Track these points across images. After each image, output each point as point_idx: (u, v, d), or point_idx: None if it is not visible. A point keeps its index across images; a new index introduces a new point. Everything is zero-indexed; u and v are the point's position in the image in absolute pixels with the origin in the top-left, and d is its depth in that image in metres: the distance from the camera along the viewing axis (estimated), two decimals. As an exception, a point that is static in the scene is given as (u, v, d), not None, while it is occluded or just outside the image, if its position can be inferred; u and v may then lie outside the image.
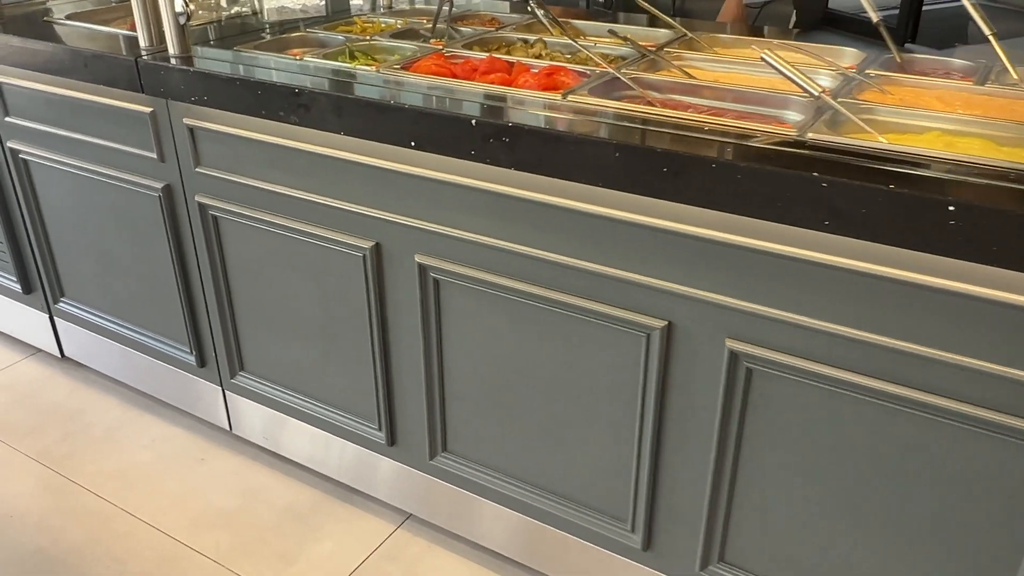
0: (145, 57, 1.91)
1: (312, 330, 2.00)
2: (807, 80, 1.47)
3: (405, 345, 1.85)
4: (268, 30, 2.21)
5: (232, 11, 2.39)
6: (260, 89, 1.72)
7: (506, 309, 1.65)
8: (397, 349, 1.87)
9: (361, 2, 2.55)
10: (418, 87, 1.66)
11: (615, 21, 2.37)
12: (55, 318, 2.64)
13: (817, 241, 1.26)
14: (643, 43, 2.00)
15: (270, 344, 2.12)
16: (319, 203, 1.80)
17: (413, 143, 1.57)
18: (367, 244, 1.77)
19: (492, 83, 1.67)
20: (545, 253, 1.54)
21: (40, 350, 2.80)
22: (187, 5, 1.84)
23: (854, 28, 2.32)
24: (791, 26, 3.31)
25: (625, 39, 1.88)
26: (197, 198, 2.01)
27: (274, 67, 1.82)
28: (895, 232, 1.17)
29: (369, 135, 1.63)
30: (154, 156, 2.04)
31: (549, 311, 1.59)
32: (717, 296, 1.39)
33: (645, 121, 1.44)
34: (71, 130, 2.18)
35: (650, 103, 1.60)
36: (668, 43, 1.97)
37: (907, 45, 2.09)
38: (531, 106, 1.53)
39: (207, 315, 2.20)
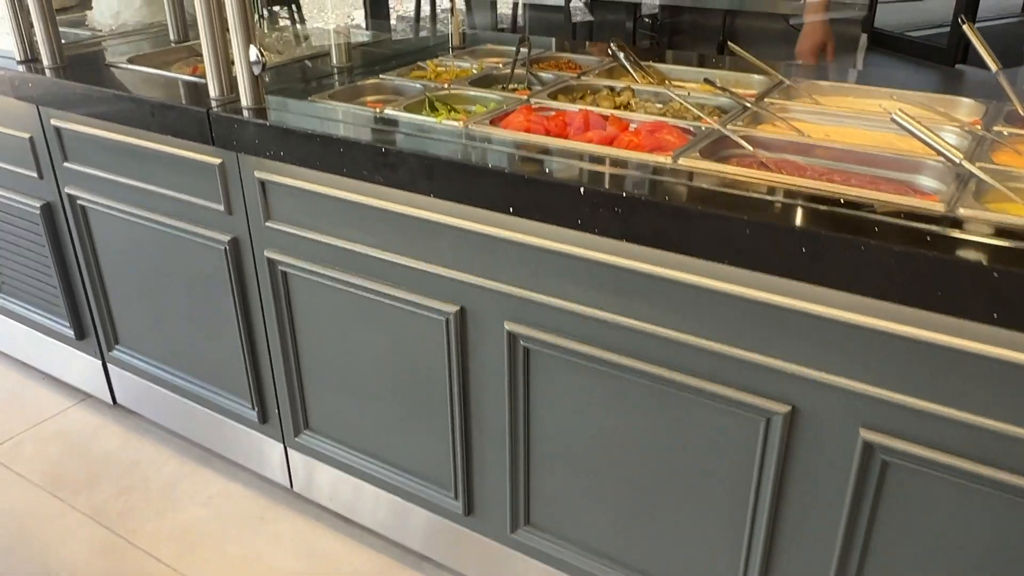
0: (216, 109, 1.83)
1: (385, 392, 1.90)
2: (945, 145, 1.35)
3: (488, 412, 1.74)
4: (337, 75, 2.13)
5: (296, 53, 2.32)
6: (343, 146, 1.63)
7: (604, 383, 1.53)
8: (478, 416, 1.76)
9: (396, 23, 2.46)
10: (512, 146, 1.56)
11: (687, 61, 2.26)
12: (108, 364, 2.56)
13: (978, 332, 1.13)
14: (739, 91, 1.89)
15: (338, 403, 2.02)
16: (400, 264, 1.70)
17: (512, 209, 1.47)
18: (451, 308, 1.67)
19: (592, 142, 1.56)
20: (654, 328, 1.43)
21: (91, 395, 2.72)
22: (262, 55, 1.75)
23: (901, 48, 2.19)
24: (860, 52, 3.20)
25: (724, 89, 1.77)
26: (267, 253, 1.92)
27: (354, 121, 1.72)
28: (1078, 329, 1.05)
29: (463, 198, 1.52)
30: (221, 208, 1.95)
31: (654, 387, 1.47)
32: (851, 382, 1.27)
33: (771, 190, 1.33)
34: (133, 178, 2.10)
35: (765, 164, 1.48)
36: (766, 92, 1.86)
37: (958, 66, 1.94)
38: (640, 170, 1.42)
39: (271, 371, 2.10)
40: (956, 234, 1.16)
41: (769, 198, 1.30)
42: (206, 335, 2.19)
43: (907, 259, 1.12)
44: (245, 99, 1.81)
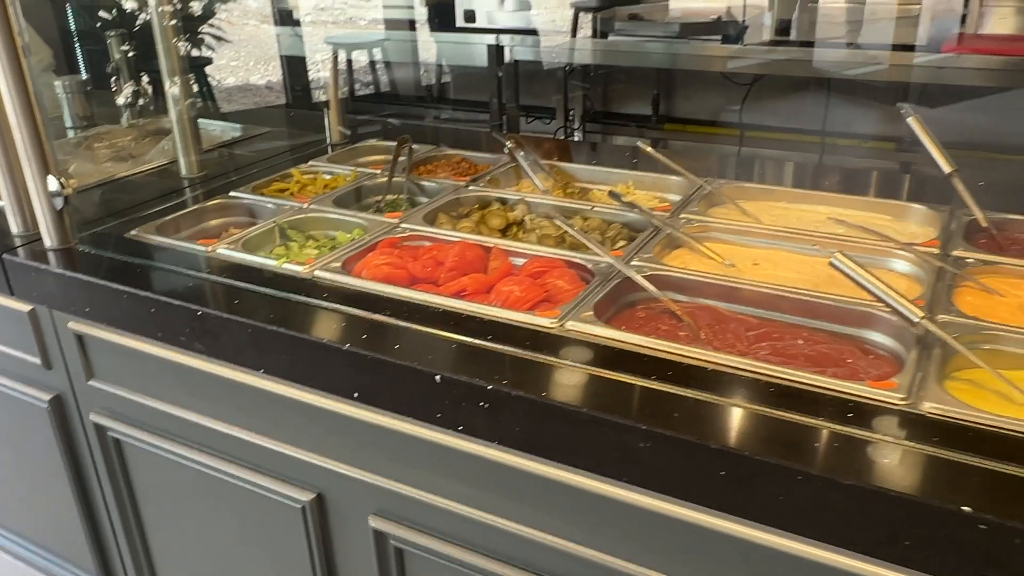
0: (18, 249, 1.48)
1: (246, 582, 1.54)
2: (899, 298, 1.05)
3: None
4: (188, 187, 1.79)
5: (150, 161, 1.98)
6: (154, 307, 1.29)
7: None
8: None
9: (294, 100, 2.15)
10: (361, 305, 1.22)
11: (601, 153, 1.97)
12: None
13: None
14: (655, 201, 1.60)
15: (194, 591, 1.65)
16: (246, 440, 1.36)
17: (357, 395, 1.14)
18: (307, 496, 1.33)
19: (463, 292, 1.24)
20: (540, 535, 1.10)
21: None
22: (63, 185, 1.41)
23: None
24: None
25: (632, 205, 1.48)
26: (93, 417, 1.56)
27: (177, 266, 1.39)
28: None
29: (298, 378, 1.19)
30: (38, 362, 1.60)
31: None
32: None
33: (675, 376, 1.01)
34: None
35: (677, 316, 1.18)
36: (685, 201, 1.56)
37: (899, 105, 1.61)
38: (516, 342, 1.10)
39: (118, 552, 1.74)
40: (915, 447, 0.86)
41: (673, 391, 0.99)
42: (42, 504, 1.82)
43: (858, 496, 0.82)
44: (48, 238, 1.47)
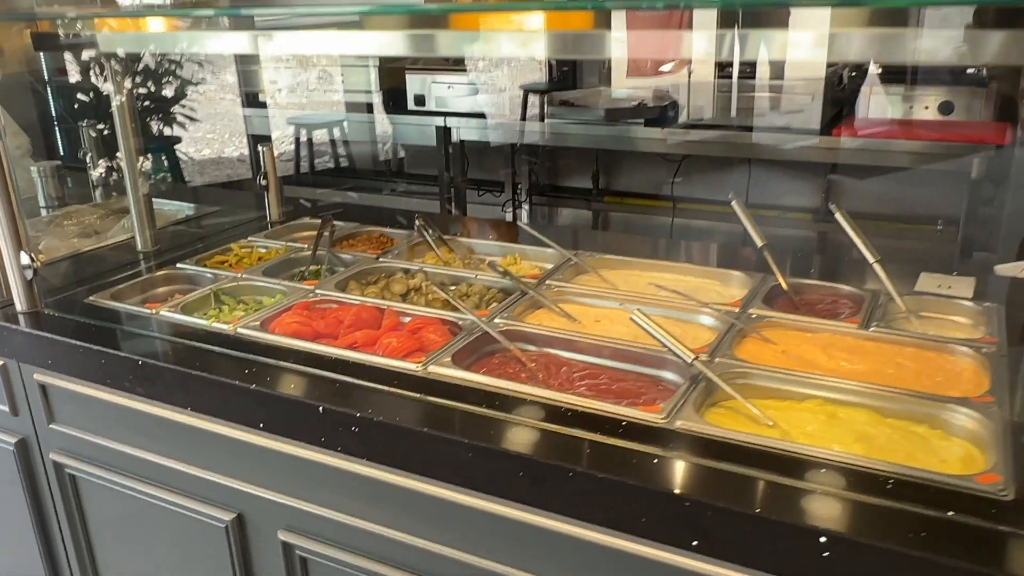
0: (-6, 310, 1.78)
1: (181, 601, 1.79)
2: (679, 344, 1.37)
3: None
4: (143, 259, 2.10)
5: (111, 238, 2.29)
6: (103, 358, 1.59)
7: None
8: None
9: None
10: (273, 355, 1.53)
11: (515, 230, 2.30)
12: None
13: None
14: (535, 270, 1.92)
15: (139, 611, 1.90)
16: (179, 470, 1.64)
17: (262, 425, 1.43)
18: (228, 516, 1.60)
19: (354, 344, 1.55)
20: (412, 539, 1.38)
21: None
22: (33, 259, 1.72)
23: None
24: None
25: (505, 273, 1.80)
26: (52, 456, 1.83)
27: (125, 325, 1.69)
28: (767, 558, 1.05)
29: (217, 413, 1.49)
30: (6, 409, 1.87)
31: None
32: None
33: (500, 405, 1.32)
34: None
35: (521, 361, 1.49)
36: (554, 270, 1.89)
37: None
38: (386, 381, 1.41)
39: (70, 573, 1.98)
40: (659, 453, 1.17)
41: (495, 415, 1.30)
42: (3, 537, 2.07)
43: (611, 488, 1.12)
44: (19, 303, 1.76)
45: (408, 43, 1.83)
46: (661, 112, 4.17)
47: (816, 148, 3.87)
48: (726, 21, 1.89)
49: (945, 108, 3.85)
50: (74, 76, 4.86)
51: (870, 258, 1.66)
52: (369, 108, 5.23)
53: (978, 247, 3.77)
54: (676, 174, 4.69)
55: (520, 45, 1.58)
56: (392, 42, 1.80)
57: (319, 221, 2.22)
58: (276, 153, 2.36)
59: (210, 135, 9.64)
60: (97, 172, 2.67)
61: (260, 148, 2.29)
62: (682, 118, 4.21)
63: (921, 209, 4.07)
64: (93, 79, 2.26)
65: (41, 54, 4.46)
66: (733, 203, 1.82)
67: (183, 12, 1.81)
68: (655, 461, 1.15)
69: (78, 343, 1.63)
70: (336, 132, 5.71)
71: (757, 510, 1.04)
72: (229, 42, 2.02)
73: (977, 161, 3.55)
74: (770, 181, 4.55)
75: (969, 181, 3.62)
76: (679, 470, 1.14)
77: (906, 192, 4.08)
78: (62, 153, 4.66)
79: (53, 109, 4.64)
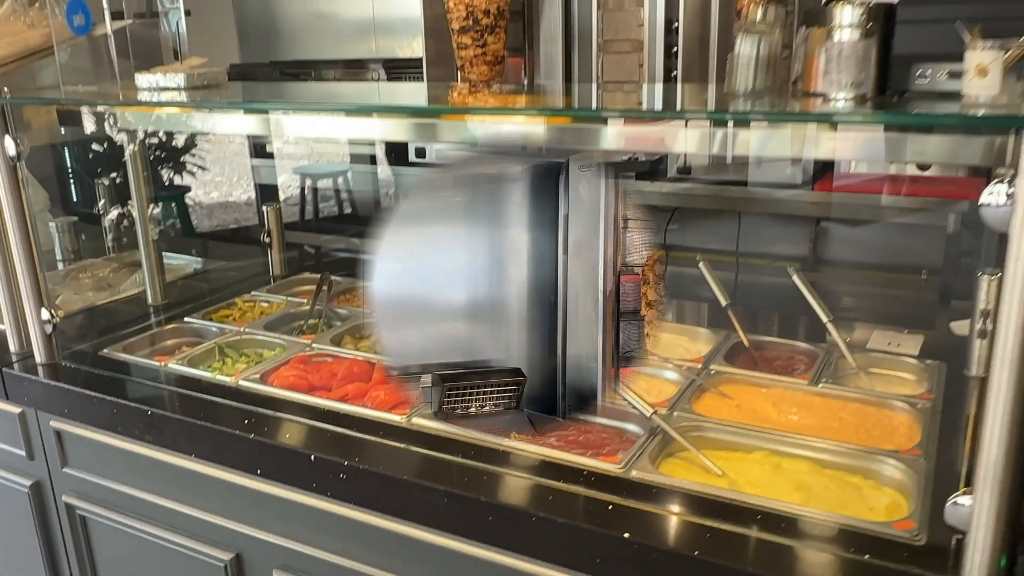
0: (16, 362, 1.92)
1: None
2: (638, 399, 1.51)
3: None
4: (153, 313, 2.25)
5: (122, 291, 2.44)
6: (115, 408, 1.73)
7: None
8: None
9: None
10: (271, 406, 1.67)
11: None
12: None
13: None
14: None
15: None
16: (179, 511, 1.77)
17: (259, 471, 1.57)
18: (227, 556, 1.73)
19: (346, 396, 1.69)
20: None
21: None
22: (53, 315, 1.87)
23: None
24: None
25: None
26: (64, 498, 1.97)
27: (136, 376, 1.83)
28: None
29: (219, 460, 1.62)
30: (23, 454, 2.01)
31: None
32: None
33: (476, 455, 1.45)
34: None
35: (498, 415, 1.62)
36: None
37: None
38: (373, 432, 1.54)
39: (78, 615, 2.10)
40: (615, 501, 1.30)
41: (471, 464, 1.43)
42: None
43: (567, 532, 1.25)
44: (38, 355, 1.91)
45: (412, 130, 2.00)
46: (650, 166, 4.34)
47: (802, 201, 4.03)
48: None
49: (923, 164, 4.02)
50: (89, 127, 5.09)
51: (824, 318, 1.80)
52: (372, 159, 5.43)
53: (956, 296, 3.92)
54: (669, 222, 4.85)
55: (521, 138, 1.72)
56: (396, 129, 1.98)
57: (319, 276, 2.37)
58: (283, 197, 2.51)
59: (219, 178, 9.84)
60: (109, 218, 2.83)
61: (265, 208, 2.45)
62: (670, 172, 4.38)
63: (904, 259, 4.22)
64: (107, 130, 2.44)
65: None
66: (700, 265, 1.96)
67: (201, 104, 1.97)
68: (609, 508, 1.28)
69: (92, 393, 1.77)
70: (340, 181, 5.92)
71: (696, 552, 1.17)
72: (241, 125, 2.20)
73: (952, 216, 3.71)
74: (761, 230, 4.70)
75: (946, 234, 3.78)
76: (630, 516, 1.27)
77: (891, 242, 4.24)
78: (75, 199, 4.86)
79: (68, 161, 4.85)
